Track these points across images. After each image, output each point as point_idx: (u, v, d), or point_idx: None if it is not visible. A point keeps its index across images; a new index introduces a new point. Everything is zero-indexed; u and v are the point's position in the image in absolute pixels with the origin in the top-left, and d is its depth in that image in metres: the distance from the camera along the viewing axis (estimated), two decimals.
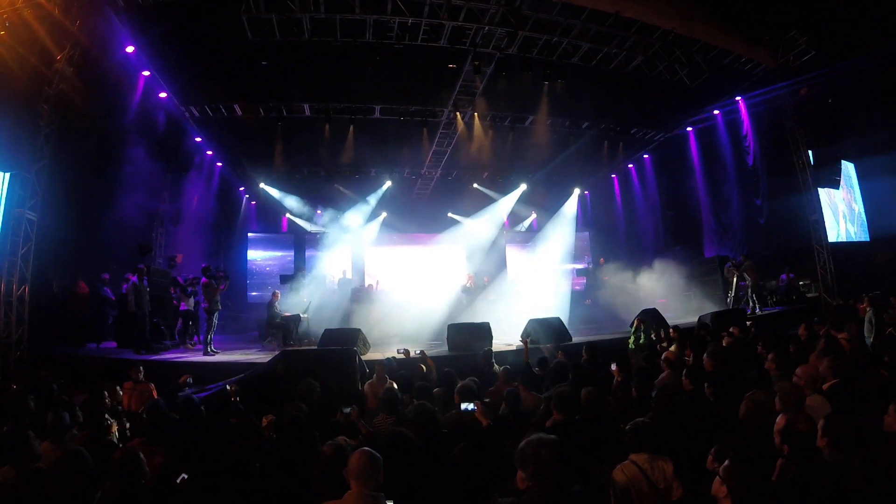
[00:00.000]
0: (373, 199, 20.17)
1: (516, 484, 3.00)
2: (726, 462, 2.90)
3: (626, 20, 12.37)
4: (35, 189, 10.13)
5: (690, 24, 12.66)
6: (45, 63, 9.78)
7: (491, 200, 21.65)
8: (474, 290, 16.10)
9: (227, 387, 6.81)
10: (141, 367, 7.96)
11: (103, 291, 13.08)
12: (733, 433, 3.80)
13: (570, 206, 22.25)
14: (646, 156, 20.70)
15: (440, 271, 19.38)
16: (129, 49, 11.56)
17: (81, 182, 12.21)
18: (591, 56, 13.60)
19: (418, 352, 8.92)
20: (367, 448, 3.16)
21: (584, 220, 22.51)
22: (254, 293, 19.70)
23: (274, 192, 20.02)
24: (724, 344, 7.94)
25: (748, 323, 11.25)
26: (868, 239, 18.14)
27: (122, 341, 12.15)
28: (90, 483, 3.96)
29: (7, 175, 9.86)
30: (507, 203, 21.38)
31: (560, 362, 7.92)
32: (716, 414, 4.63)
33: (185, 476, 3.76)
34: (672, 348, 8.18)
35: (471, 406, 4.72)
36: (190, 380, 7.37)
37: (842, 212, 17.58)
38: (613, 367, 6.61)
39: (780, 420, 3.30)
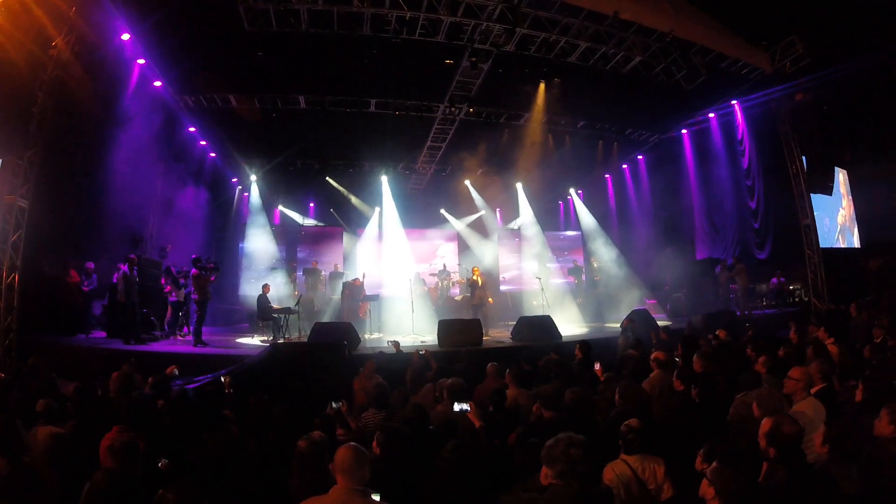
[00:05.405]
0: (368, 195, 20.10)
1: (537, 480, 3.01)
2: (714, 463, 2.91)
3: (625, 20, 12.35)
4: (27, 176, 10.04)
5: (689, 26, 12.64)
6: (41, 49, 9.68)
7: (482, 199, 21.57)
8: (475, 286, 15.78)
9: (222, 378, 6.79)
10: (133, 360, 7.91)
11: (83, 284, 12.65)
12: (723, 435, 3.82)
13: (566, 205, 22.26)
14: (640, 156, 20.64)
15: (432, 266, 19.36)
16: (125, 37, 11.44)
17: (74, 170, 12.05)
18: (589, 55, 13.56)
19: (422, 352, 8.77)
20: (353, 443, 3.16)
21: (577, 218, 22.48)
22: (245, 285, 19.58)
23: (267, 185, 19.85)
24: (713, 346, 7.98)
25: (746, 325, 11.32)
26: (860, 246, 18.22)
27: (112, 331, 12.09)
28: (77, 472, 3.90)
29: None
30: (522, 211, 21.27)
31: (551, 360, 7.95)
32: (705, 415, 4.65)
33: (167, 461, 3.74)
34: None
35: (465, 406, 4.67)
36: (176, 371, 7.32)
37: (834, 218, 17.69)
38: (597, 366, 6.63)
39: (765, 423, 3.29)
